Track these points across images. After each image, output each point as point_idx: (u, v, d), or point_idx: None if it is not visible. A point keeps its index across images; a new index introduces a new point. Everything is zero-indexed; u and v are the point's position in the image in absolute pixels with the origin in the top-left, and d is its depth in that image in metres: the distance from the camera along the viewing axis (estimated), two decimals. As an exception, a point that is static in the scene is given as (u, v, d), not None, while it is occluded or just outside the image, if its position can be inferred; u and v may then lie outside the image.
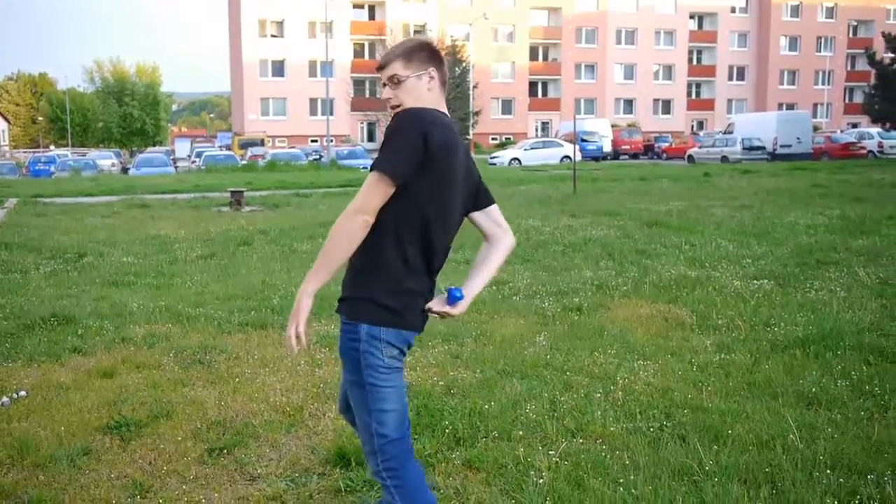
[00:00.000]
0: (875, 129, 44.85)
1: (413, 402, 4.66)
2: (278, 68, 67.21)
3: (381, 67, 2.83)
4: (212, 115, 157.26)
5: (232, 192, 18.49)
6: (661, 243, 10.66)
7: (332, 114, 53.62)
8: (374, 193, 2.63)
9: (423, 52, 2.82)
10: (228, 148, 52.39)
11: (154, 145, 76.83)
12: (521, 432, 4.21)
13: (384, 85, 2.82)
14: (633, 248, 10.29)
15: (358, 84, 68.38)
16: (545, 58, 75.13)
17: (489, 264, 3.02)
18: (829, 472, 3.65)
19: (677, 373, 5.17)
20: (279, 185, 24.89)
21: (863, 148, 41.90)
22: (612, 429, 4.25)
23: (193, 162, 44.24)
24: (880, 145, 42.77)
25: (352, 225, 2.63)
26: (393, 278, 2.71)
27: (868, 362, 5.27)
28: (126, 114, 75.63)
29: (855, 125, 64.44)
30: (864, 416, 4.36)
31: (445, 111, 2.83)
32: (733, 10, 77.90)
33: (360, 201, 2.63)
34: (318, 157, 44.64)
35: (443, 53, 2.88)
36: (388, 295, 2.71)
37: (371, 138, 69.12)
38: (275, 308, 7.20)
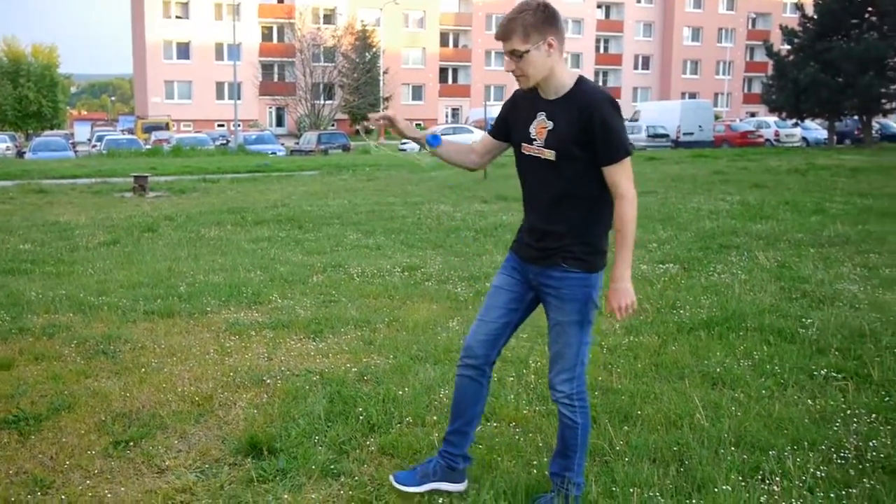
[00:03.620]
0: (772, 119, 46.46)
1: (326, 390, 4.62)
2: (183, 51, 65.54)
3: (501, 39, 3.03)
4: (113, 98, 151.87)
5: (135, 177, 17.97)
6: (570, 228, 10.78)
7: (239, 98, 52.56)
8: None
9: (538, 21, 2.97)
10: (131, 132, 50.89)
11: (52, 129, 73.84)
12: (435, 417, 4.20)
13: (506, 55, 3.03)
14: (543, 234, 10.38)
15: (266, 68, 67.27)
16: (455, 44, 75.32)
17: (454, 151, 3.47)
18: (733, 449, 3.77)
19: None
20: (185, 170, 24.30)
21: (760, 136, 43.43)
22: (524, 412, 4.29)
23: (94, 146, 42.64)
24: (777, 134, 44.39)
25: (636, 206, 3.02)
26: (605, 236, 3.15)
27: (768, 342, 5.47)
28: (21, 96, 72.35)
29: (753, 114, 66.60)
30: (765, 395, 4.51)
31: (565, 68, 3.07)
32: (639, 0, 79.51)
33: (632, 184, 3.00)
34: (225, 141, 43.77)
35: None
36: (601, 246, 3.14)
37: (280, 123, 68.14)
38: (182, 295, 7.02)
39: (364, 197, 15.92)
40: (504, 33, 3.00)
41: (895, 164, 24.49)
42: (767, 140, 43.38)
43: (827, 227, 10.68)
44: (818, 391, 4.58)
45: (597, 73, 78.92)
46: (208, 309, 6.60)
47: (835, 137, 42.29)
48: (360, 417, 4.19)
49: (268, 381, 4.84)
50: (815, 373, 4.85)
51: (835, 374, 4.81)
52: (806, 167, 22.79)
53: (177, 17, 65.55)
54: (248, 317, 6.38)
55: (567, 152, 2.99)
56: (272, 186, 19.09)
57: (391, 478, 3.42)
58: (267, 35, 69.01)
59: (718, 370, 4.91)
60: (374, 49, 64.87)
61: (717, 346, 5.44)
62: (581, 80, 3.05)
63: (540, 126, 3.06)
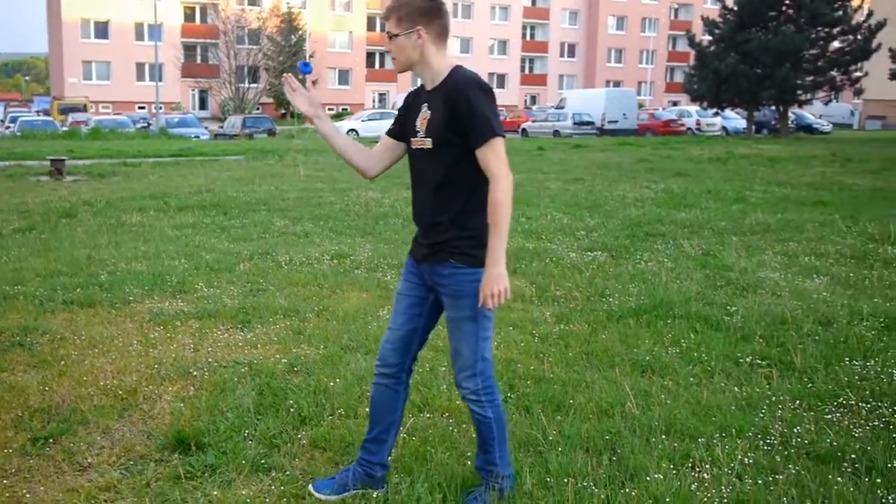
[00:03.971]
0: (693, 108, 47.51)
1: (255, 382, 4.53)
2: (102, 30, 63.49)
3: (383, 18, 3.15)
4: (27, 78, 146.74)
5: (52, 160, 17.37)
6: (499, 216, 10.82)
7: (161, 80, 51.27)
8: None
9: (413, 11, 3.02)
10: (47, 113, 49.19)
11: (-39, 109, 71.07)
12: (367, 409, 4.12)
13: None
14: (472, 221, 10.39)
15: (189, 49, 65.69)
16: (382, 28, 74.54)
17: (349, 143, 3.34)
18: (664, 437, 3.82)
19: (520, 344, 5.26)
20: (104, 153, 23.60)
21: (683, 125, 44.38)
22: (457, 402, 4.25)
23: (7, 128, 41.23)
24: (698, 123, 45.42)
25: (511, 189, 2.95)
26: (485, 226, 2.99)
27: (695, 330, 5.56)
28: (-72, 74, 69.48)
29: (675, 103, 67.90)
30: (693, 382, 4.59)
31: (442, 59, 3.07)
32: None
33: (505, 166, 2.94)
34: (146, 124, 42.72)
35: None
36: (486, 239, 3.00)
37: (203, 106, 66.69)
38: (103, 284, 6.80)
39: (291, 183, 15.72)
40: (385, 13, 3.11)
41: (811, 154, 25.27)
42: (689, 129, 44.33)
43: (748, 215, 10.95)
44: (744, 378, 4.68)
45: (523, 60, 79.44)
46: (131, 298, 6.41)
47: (753, 127, 43.46)
48: (291, 410, 4.11)
49: (194, 373, 4.72)
50: (741, 360, 4.95)
51: (759, 362, 4.92)
52: (726, 156, 23.36)
53: (95, -6, 63.49)
54: (173, 306, 6.21)
55: (442, 139, 3.01)
56: (196, 171, 18.68)
57: (310, 486, 3.37)
58: (189, 15, 67.37)
59: (648, 358, 4.97)
60: (299, 32, 63.95)
61: (645, 333, 5.51)
62: (454, 69, 3.08)
63: (423, 118, 3.10)
